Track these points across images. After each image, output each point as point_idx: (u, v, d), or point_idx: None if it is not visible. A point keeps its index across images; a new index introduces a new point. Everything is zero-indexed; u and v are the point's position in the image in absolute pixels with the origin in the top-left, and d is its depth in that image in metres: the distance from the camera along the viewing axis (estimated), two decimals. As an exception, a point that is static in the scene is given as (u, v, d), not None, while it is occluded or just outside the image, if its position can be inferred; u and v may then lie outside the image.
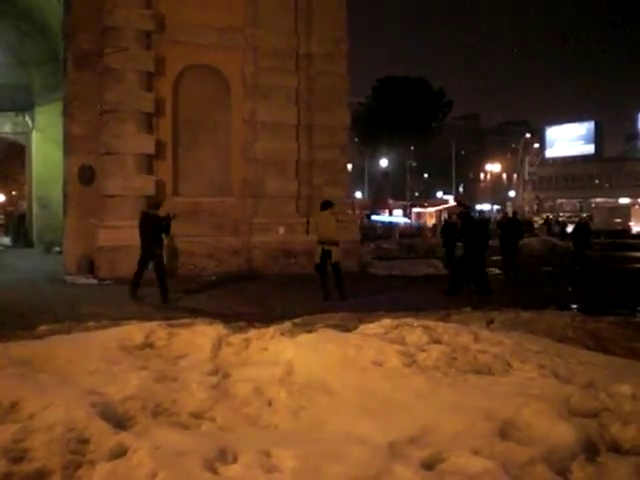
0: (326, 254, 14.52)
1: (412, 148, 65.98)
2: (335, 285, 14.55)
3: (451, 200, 67.83)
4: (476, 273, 15.85)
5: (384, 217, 56.55)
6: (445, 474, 4.01)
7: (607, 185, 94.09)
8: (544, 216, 67.39)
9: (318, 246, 14.77)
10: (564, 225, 49.35)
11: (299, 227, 20.36)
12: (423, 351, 6.60)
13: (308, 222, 20.03)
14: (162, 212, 14.95)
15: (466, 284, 15.78)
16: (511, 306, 12.01)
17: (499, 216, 50.71)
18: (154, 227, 14.38)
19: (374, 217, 51.58)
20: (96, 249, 18.13)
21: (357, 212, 48.88)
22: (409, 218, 63.00)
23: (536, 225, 53.94)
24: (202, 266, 18.98)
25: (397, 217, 59.79)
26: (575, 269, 22.06)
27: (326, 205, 14.99)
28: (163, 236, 14.78)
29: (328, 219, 14.74)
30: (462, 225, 16.77)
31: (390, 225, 48.27)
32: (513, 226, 23.49)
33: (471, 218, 16.84)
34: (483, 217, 22.60)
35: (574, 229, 26.80)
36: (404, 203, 69.54)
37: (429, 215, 66.80)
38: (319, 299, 14.05)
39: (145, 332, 7.53)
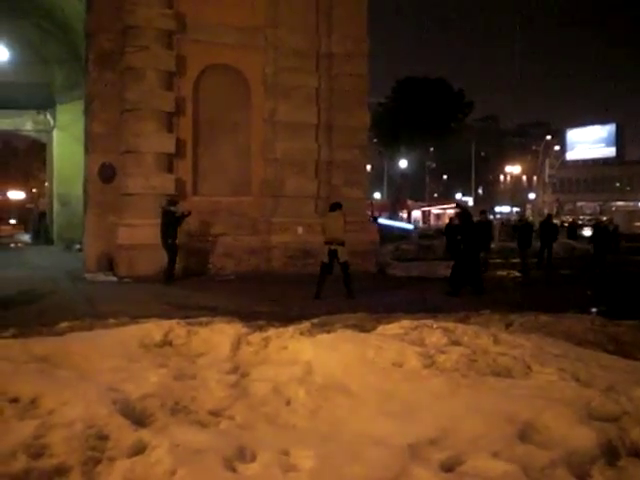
0: (333, 254, 14.65)
1: (431, 149, 65.69)
2: (344, 284, 14.64)
3: (470, 202, 67.61)
4: (470, 272, 15.94)
5: (390, 222, 51.89)
6: (464, 476, 3.99)
7: (628, 188, 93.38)
8: (579, 219, 63.17)
9: (324, 246, 14.90)
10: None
11: (318, 227, 20.26)
12: (443, 353, 6.56)
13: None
14: (179, 209, 17.34)
15: (466, 284, 15.85)
16: (530, 309, 11.95)
17: (516, 218, 49.71)
18: (169, 222, 16.79)
19: (381, 220, 45.05)
20: (116, 247, 18.21)
21: (376, 213, 48.50)
22: (427, 219, 62.64)
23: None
24: (221, 265, 19.05)
25: (404, 223, 56.38)
26: (595, 272, 21.96)
27: (335, 206, 15.24)
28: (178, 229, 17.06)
29: (337, 219, 14.85)
30: (461, 225, 16.84)
31: (402, 230, 45.08)
32: (547, 229, 23.79)
33: (469, 219, 16.87)
34: (485, 218, 22.37)
35: (594, 232, 26.70)
36: (422, 204, 69.34)
37: (448, 217, 66.55)
38: (336, 299, 14.03)
39: (164, 330, 7.53)
